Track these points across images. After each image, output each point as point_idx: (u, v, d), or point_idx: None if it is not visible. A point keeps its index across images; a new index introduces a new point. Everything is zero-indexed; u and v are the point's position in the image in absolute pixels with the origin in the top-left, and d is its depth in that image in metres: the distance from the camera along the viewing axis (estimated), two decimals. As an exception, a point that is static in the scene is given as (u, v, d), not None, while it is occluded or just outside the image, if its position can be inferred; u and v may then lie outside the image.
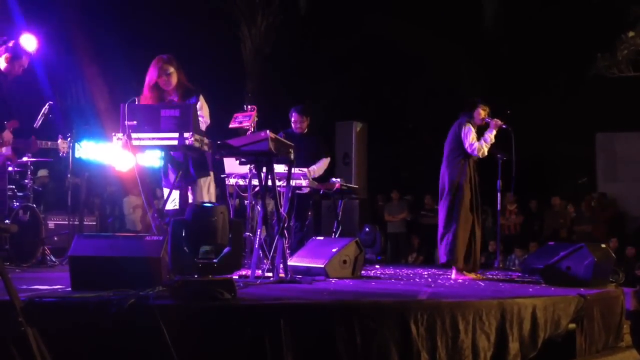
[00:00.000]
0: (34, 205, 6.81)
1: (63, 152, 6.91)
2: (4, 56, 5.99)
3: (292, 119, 7.19)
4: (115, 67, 12.34)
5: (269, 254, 5.26)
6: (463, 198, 6.24)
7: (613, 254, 5.89)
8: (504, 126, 6.38)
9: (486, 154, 6.33)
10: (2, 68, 6.00)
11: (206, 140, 4.84)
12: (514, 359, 4.04)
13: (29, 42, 7.10)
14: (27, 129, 6.85)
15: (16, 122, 6.40)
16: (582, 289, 4.83)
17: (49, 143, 6.81)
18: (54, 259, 6.91)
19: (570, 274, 5.37)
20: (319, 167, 6.97)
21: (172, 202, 5.08)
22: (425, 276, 6.43)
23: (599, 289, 5.09)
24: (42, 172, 9.84)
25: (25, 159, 6.88)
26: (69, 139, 6.96)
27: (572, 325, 4.40)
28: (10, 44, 6.01)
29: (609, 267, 5.68)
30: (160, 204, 7.32)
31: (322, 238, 6.67)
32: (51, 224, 8.37)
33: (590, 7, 12.17)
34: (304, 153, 6.63)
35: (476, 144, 6.23)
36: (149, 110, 4.80)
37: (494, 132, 6.33)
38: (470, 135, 6.25)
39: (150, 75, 5.23)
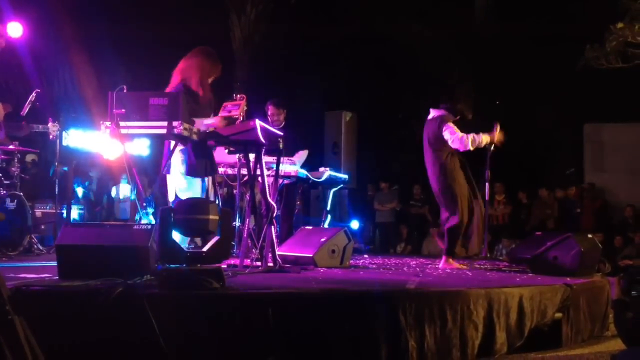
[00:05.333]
0: (21, 194, 6.77)
1: (53, 136, 6.89)
2: None
3: (269, 112, 7.17)
4: (103, 55, 12.25)
5: (258, 243, 5.26)
6: (461, 186, 6.29)
7: (599, 244, 5.93)
8: None
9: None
10: None
11: (195, 129, 4.82)
12: (501, 348, 4.08)
13: (14, 28, 7.05)
14: (14, 117, 6.83)
15: (9, 106, 6.38)
16: (568, 279, 4.87)
17: (40, 126, 6.82)
18: (41, 248, 6.88)
19: (557, 264, 5.40)
20: (298, 160, 6.94)
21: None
22: (414, 266, 6.45)
23: (585, 278, 5.14)
24: (29, 157, 9.79)
25: (11, 147, 6.83)
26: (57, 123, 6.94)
27: (558, 315, 4.44)
28: None
29: (595, 257, 5.72)
30: (149, 192, 7.29)
31: (310, 227, 6.67)
32: (38, 212, 8.32)
33: (580, -1, 12.23)
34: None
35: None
36: (138, 99, 4.76)
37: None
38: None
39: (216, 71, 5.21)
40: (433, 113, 6.46)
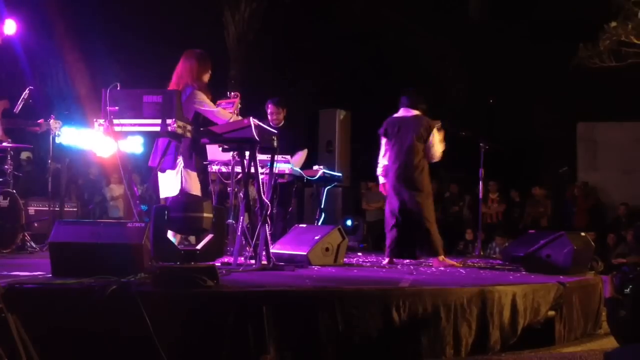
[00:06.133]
0: (14, 191, 6.75)
1: (54, 132, 6.88)
2: None
3: (269, 111, 7.21)
4: (97, 52, 12.21)
5: (252, 241, 5.26)
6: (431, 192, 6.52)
7: (592, 242, 5.96)
8: None
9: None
10: None
11: (189, 127, 4.81)
12: (495, 346, 4.09)
13: (9, 26, 7.01)
14: (10, 114, 6.82)
15: (7, 102, 6.38)
16: (561, 277, 4.88)
17: (43, 124, 6.82)
18: (34, 245, 6.86)
19: (550, 262, 5.42)
20: (297, 160, 6.95)
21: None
22: (407, 264, 6.46)
23: (578, 276, 5.16)
24: (24, 154, 9.76)
25: (5, 144, 6.81)
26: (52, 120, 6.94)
27: (551, 313, 4.45)
28: None
29: (588, 255, 5.74)
30: (142, 189, 7.25)
31: (304, 226, 6.67)
32: (31, 210, 8.29)
33: (574, -2, 12.28)
34: (281, 145, 6.59)
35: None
36: (131, 96, 4.75)
37: None
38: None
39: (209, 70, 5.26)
40: (415, 112, 6.51)
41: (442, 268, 6.00)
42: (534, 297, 4.34)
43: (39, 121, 6.76)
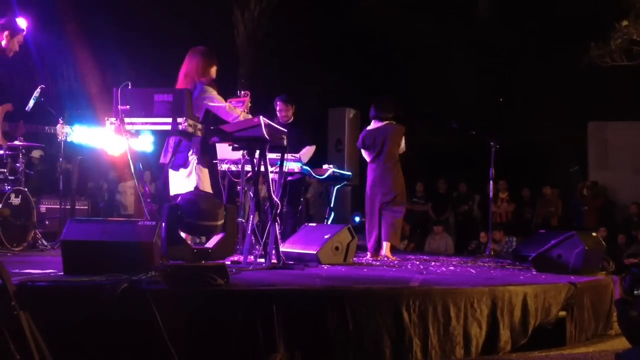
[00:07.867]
0: (26, 189, 6.78)
1: (61, 137, 6.91)
2: (4, 34, 6.01)
3: (277, 108, 7.28)
4: (108, 51, 12.25)
5: (262, 240, 5.26)
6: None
7: (603, 242, 5.93)
8: None
9: None
10: (3, 45, 6.03)
11: (199, 126, 4.83)
12: (505, 346, 4.08)
13: (20, 24, 7.04)
14: (18, 112, 6.84)
15: (10, 106, 6.40)
16: (572, 277, 4.87)
17: (47, 128, 6.84)
18: (45, 243, 6.89)
19: (561, 262, 5.41)
20: (303, 155, 6.96)
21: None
22: (417, 263, 6.46)
23: (589, 277, 5.14)
24: (37, 153, 9.80)
25: (17, 142, 6.84)
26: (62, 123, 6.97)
27: (562, 313, 4.44)
28: (4, 21, 6.04)
29: (599, 255, 5.72)
30: (152, 188, 7.27)
31: (314, 224, 6.68)
32: (43, 208, 8.34)
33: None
34: (290, 142, 6.61)
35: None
36: (142, 95, 4.77)
37: None
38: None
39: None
40: (386, 121, 7.06)
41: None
42: (545, 298, 4.33)
43: (20, 121, 6.77)
